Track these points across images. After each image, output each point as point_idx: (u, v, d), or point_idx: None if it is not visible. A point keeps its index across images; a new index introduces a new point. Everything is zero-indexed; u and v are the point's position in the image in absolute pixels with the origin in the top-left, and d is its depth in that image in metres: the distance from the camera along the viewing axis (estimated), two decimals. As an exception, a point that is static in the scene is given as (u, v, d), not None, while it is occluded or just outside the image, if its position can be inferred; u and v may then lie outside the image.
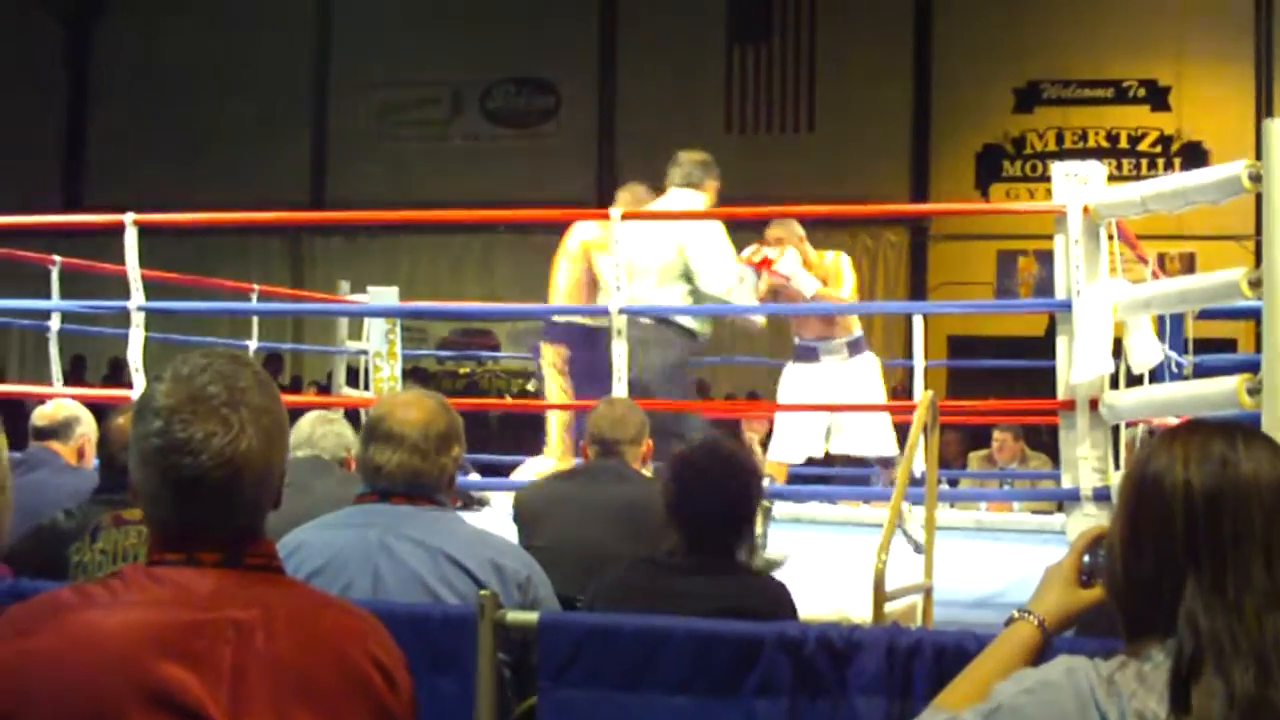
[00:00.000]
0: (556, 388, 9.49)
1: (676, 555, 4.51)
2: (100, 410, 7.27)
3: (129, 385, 8.96)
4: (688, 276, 8.85)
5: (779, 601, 4.43)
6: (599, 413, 6.22)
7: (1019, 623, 2.63)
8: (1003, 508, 11.34)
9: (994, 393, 16.34)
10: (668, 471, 4.73)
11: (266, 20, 24.69)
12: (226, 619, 2.38)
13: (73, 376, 17.01)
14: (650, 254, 8.89)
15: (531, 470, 9.34)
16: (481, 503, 10.73)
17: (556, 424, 9.66)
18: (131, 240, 8.67)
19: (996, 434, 12.22)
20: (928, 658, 3.34)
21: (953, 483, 11.84)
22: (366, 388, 11.57)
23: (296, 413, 5.67)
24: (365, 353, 11.57)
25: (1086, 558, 2.64)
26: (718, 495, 4.52)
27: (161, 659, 2.33)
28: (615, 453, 6.02)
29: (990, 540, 10.01)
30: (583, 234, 9.63)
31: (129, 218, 8.68)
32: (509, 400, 21.55)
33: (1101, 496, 7.14)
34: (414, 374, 18.14)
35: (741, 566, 4.57)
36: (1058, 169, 7.62)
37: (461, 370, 24.28)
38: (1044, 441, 12.82)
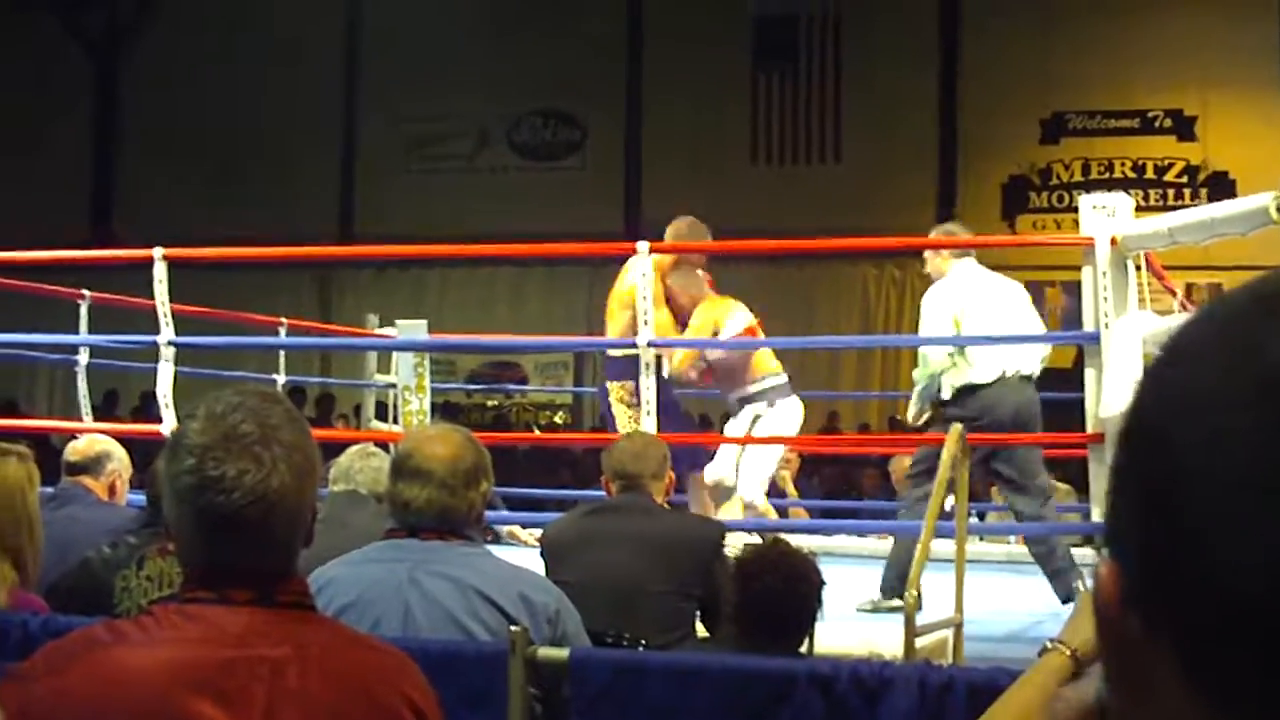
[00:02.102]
0: (626, 420, 9.49)
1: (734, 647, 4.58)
2: (130, 444, 7.29)
3: (159, 419, 8.98)
4: None
5: None
6: (620, 447, 6.21)
7: (1051, 653, 2.59)
8: (1032, 540, 11.30)
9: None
10: (733, 570, 4.78)
11: (295, 55, 24.74)
12: (259, 657, 2.38)
13: (105, 411, 17.04)
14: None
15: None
16: (511, 538, 10.72)
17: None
18: (161, 275, 8.70)
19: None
20: (960, 694, 3.33)
21: (981, 515, 11.79)
22: (395, 421, 11.56)
23: (324, 447, 5.69)
24: (394, 386, 11.57)
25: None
26: (778, 601, 4.58)
27: (195, 697, 2.33)
28: (638, 487, 6.01)
29: (1020, 574, 9.97)
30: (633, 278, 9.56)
31: (158, 253, 8.70)
32: (537, 433, 21.56)
33: (1132, 529, 7.12)
34: (443, 407, 18.17)
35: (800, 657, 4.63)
36: (1085, 201, 7.62)
37: (490, 403, 24.29)
38: (1072, 474, 12.78)
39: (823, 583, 4.86)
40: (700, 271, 9.65)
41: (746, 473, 9.31)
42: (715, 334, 9.35)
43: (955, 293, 8.61)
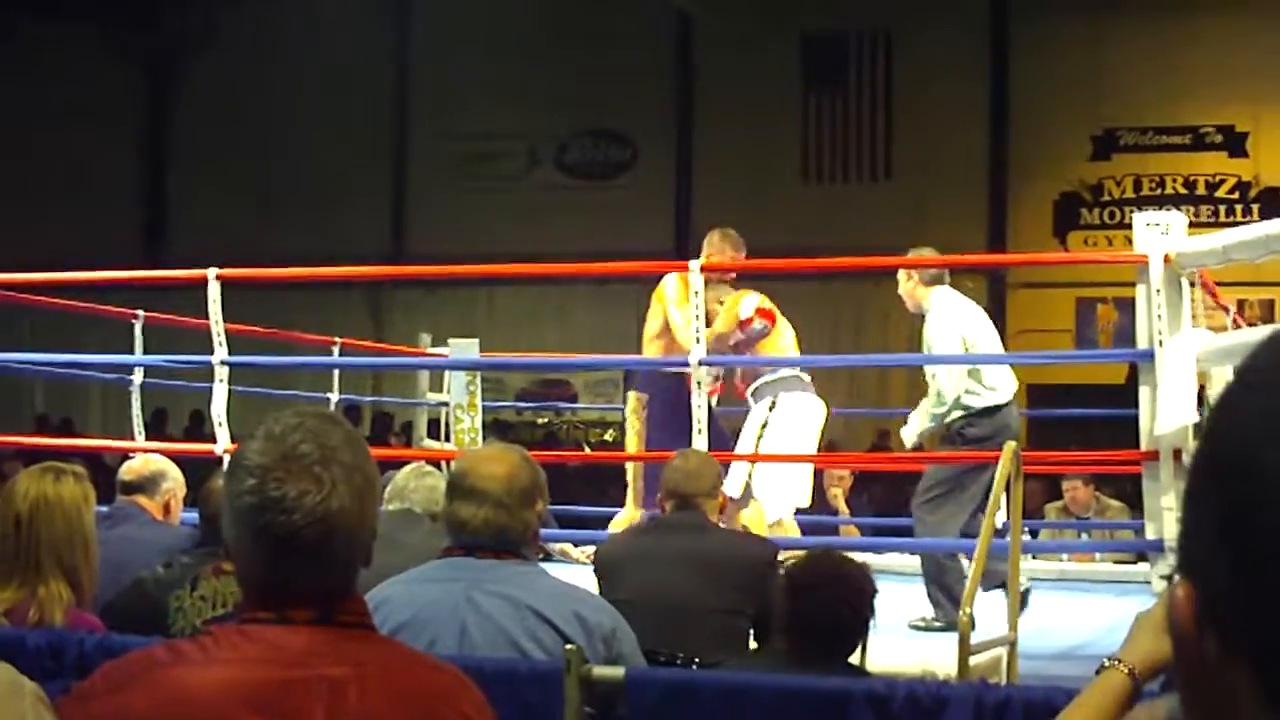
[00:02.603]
0: (632, 433, 9.60)
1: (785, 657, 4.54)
2: (182, 463, 7.31)
3: (210, 438, 9.01)
4: None
5: None
6: (674, 466, 6.20)
7: (1109, 671, 2.59)
8: (1085, 558, 11.27)
9: (1073, 441, 16.21)
10: (784, 580, 4.74)
11: (346, 74, 24.85)
12: (319, 677, 2.38)
13: (154, 429, 17.12)
14: None
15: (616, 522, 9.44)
16: (562, 555, 10.75)
17: (631, 472, 9.71)
18: (215, 295, 8.73)
19: (1066, 483, 12.10)
20: (1017, 714, 3.31)
21: (1034, 533, 11.75)
22: (447, 439, 11.60)
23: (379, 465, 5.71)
24: (446, 404, 11.61)
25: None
26: (830, 610, 4.52)
27: (254, 717, 2.34)
28: (692, 505, 6.01)
29: (1073, 591, 9.95)
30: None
31: (212, 273, 8.73)
32: (587, 451, 21.55)
33: (1186, 547, 7.08)
34: (492, 425, 18.22)
35: (849, 665, 4.59)
36: (1139, 219, 7.60)
37: (540, 420, 24.30)
38: (1125, 491, 12.72)
39: (875, 591, 4.81)
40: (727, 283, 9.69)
41: (762, 486, 9.22)
42: (738, 322, 9.32)
43: (957, 319, 8.73)
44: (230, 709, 2.34)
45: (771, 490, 9.16)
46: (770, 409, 9.25)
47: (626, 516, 9.52)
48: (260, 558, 2.48)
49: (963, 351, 8.60)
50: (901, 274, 9.11)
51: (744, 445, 9.19)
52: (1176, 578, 1.02)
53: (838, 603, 4.58)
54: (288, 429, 2.50)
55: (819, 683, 3.56)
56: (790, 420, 9.23)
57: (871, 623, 4.78)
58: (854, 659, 4.78)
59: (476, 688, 2.56)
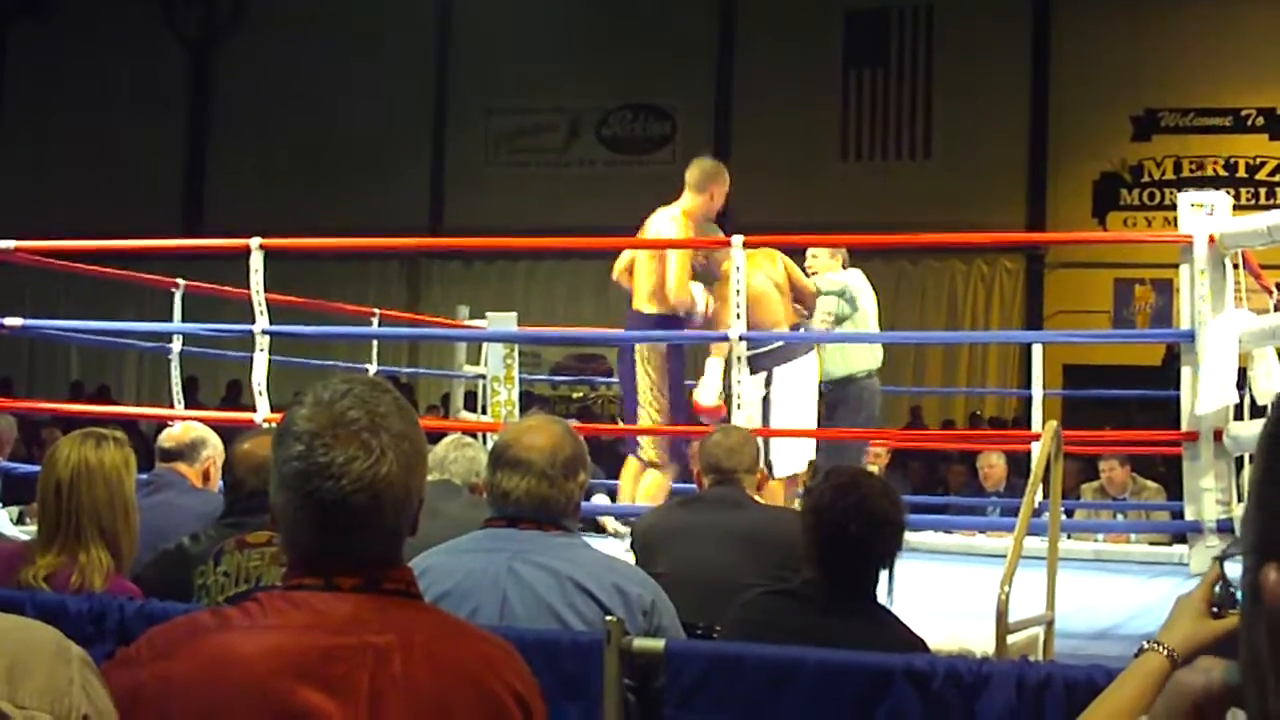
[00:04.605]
0: (645, 386, 9.52)
1: (811, 587, 4.46)
2: (219, 432, 7.33)
3: (247, 407, 9.02)
4: None
5: (912, 647, 4.30)
6: (715, 441, 6.20)
7: (1148, 653, 2.58)
8: (1120, 538, 11.23)
9: (1109, 421, 16.17)
10: (808, 501, 4.65)
11: (386, 47, 24.87)
12: (364, 644, 2.38)
13: (187, 397, 17.17)
14: None
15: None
16: (603, 529, 10.77)
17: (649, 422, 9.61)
18: (257, 265, 8.75)
19: (1103, 464, 12.05)
20: (1058, 692, 3.30)
21: (1069, 513, 11.72)
22: (484, 412, 11.62)
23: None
24: (483, 377, 11.63)
25: (1217, 589, 2.59)
26: (858, 528, 4.41)
27: (299, 684, 2.34)
28: (732, 481, 6.01)
29: (1108, 572, 9.91)
30: None
31: (255, 242, 8.75)
32: (622, 425, 21.53)
33: (1225, 528, 7.07)
34: (527, 398, 18.24)
35: (878, 606, 4.51)
36: (1184, 199, 7.57)
37: (575, 394, 24.29)
38: (1159, 472, 12.68)
39: (902, 514, 4.61)
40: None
41: (776, 451, 9.09)
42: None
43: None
44: (276, 675, 2.34)
45: (783, 452, 9.15)
46: (767, 384, 9.25)
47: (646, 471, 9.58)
48: (307, 524, 2.47)
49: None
50: (825, 251, 10.20)
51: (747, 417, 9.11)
52: (1233, 557, 1.01)
53: (861, 536, 4.43)
54: (336, 395, 2.50)
55: (861, 658, 3.55)
56: (788, 394, 9.21)
57: (900, 542, 4.59)
58: (883, 589, 4.69)
59: (523, 660, 2.56)
